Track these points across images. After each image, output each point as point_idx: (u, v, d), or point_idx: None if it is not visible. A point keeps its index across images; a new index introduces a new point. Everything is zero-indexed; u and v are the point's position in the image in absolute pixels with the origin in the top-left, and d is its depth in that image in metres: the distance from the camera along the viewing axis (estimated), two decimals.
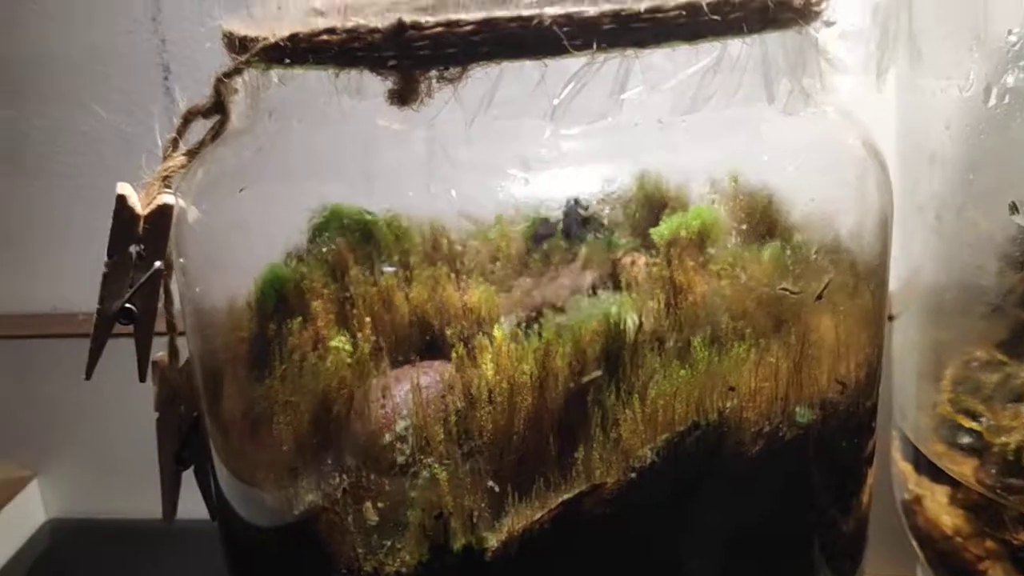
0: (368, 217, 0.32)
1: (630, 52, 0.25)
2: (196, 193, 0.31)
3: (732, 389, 0.26)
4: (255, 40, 0.28)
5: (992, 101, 0.34)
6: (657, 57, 0.25)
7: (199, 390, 0.35)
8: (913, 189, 0.40)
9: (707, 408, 0.26)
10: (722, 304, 0.27)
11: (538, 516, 0.26)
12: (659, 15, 0.24)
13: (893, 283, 0.43)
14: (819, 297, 0.27)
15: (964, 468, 0.39)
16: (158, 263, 0.31)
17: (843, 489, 0.32)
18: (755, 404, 0.27)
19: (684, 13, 0.24)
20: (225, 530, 0.34)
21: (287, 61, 0.26)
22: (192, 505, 0.37)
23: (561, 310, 0.31)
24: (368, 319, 0.30)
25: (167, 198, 0.31)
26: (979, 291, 0.40)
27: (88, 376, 0.32)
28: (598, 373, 0.26)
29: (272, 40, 0.27)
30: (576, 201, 0.32)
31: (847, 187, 0.29)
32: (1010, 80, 0.35)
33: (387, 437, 0.28)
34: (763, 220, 0.28)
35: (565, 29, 0.24)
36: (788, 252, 0.27)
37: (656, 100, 0.26)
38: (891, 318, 0.44)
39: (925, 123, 0.38)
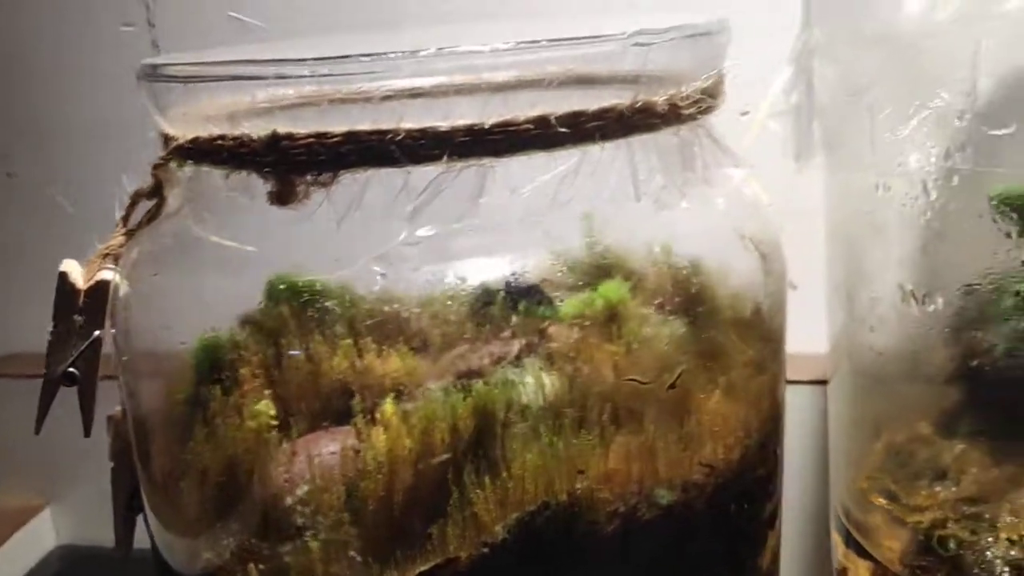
0: (318, 286, 0.35)
1: (486, 161, 0.27)
2: (129, 270, 0.34)
3: (581, 472, 0.28)
4: (173, 139, 0.31)
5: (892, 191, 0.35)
6: (516, 164, 0.27)
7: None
8: (839, 269, 0.41)
9: (556, 489, 0.28)
10: (579, 390, 0.29)
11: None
12: (511, 128, 0.27)
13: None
14: (672, 386, 0.29)
15: (883, 548, 0.39)
16: (97, 332, 0.34)
17: (736, 554, 0.33)
18: (609, 486, 0.28)
19: (534, 126, 0.27)
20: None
21: (192, 160, 0.29)
22: None
23: (481, 377, 0.34)
24: (288, 386, 0.33)
25: (105, 274, 0.34)
26: (908, 369, 0.41)
27: (37, 432, 0.35)
28: (447, 455, 0.28)
29: (180, 141, 0.30)
30: (514, 274, 0.34)
31: (718, 277, 0.31)
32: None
33: (287, 501, 0.31)
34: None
35: (421, 142, 0.26)
36: (635, 345, 0.28)
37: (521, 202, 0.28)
38: (825, 382, 0.45)
39: (848, 204, 0.39)
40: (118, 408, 0.40)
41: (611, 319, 0.31)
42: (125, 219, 0.36)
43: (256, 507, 0.30)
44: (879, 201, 0.34)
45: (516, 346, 0.33)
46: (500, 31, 0.29)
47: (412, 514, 0.28)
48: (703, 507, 0.31)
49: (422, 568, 0.28)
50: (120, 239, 0.34)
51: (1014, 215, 0.39)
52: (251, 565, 0.29)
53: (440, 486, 0.28)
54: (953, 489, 0.38)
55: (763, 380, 0.32)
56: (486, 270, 0.29)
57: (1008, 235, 0.39)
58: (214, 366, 0.34)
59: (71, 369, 0.34)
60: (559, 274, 0.32)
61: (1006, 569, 0.35)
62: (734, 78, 0.34)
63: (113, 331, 0.34)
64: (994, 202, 0.39)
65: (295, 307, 0.34)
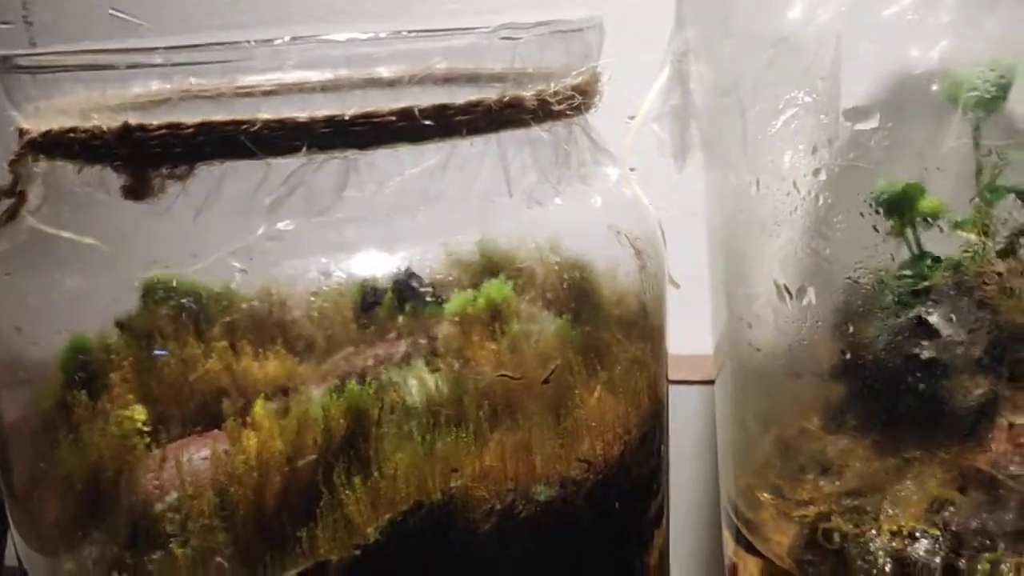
0: (195, 287, 0.34)
1: (350, 153, 0.26)
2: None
3: (455, 470, 0.27)
4: (27, 132, 0.29)
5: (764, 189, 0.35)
6: (379, 157, 0.27)
7: None
8: (727, 266, 0.41)
9: (430, 488, 0.27)
10: (458, 388, 0.28)
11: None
12: (374, 120, 0.26)
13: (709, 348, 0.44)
14: (546, 381, 0.28)
15: (770, 543, 0.40)
16: None
17: (621, 552, 0.33)
18: (485, 483, 0.28)
19: (397, 119, 0.26)
20: None
21: (45, 155, 0.28)
22: None
23: (364, 379, 0.33)
24: (159, 391, 0.32)
25: None
26: (787, 365, 0.41)
27: None
28: (312, 457, 0.27)
29: (33, 135, 0.29)
30: (407, 271, 0.33)
31: (600, 274, 0.31)
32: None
33: (157, 508, 0.29)
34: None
35: (278, 133, 0.25)
36: (507, 342, 0.28)
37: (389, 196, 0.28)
38: (712, 382, 0.45)
39: (726, 203, 0.40)
40: None
41: (494, 317, 0.31)
42: None
43: (124, 516, 0.29)
44: (753, 199, 0.35)
45: (402, 346, 0.32)
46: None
47: (282, 517, 0.27)
48: (583, 503, 0.30)
49: (291, 572, 0.27)
50: None
51: (890, 212, 0.40)
52: (114, 575, 0.28)
53: (310, 488, 0.27)
54: (837, 483, 0.38)
55: (643, 377, 0.32)
56: (358, 265, 0.29)
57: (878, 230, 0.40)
58: (81, 369, 0.33)
59: None
60: (439, 271, 0.32)
61: (888, 560, 0.36)
62: (619, 81, 0.34)
63: None
64: (872, 199, 0.40)
65: (172, 308, 0.33)
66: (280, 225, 0.26)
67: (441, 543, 0.28)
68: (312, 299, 0.28)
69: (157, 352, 0.32)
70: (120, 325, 0.33)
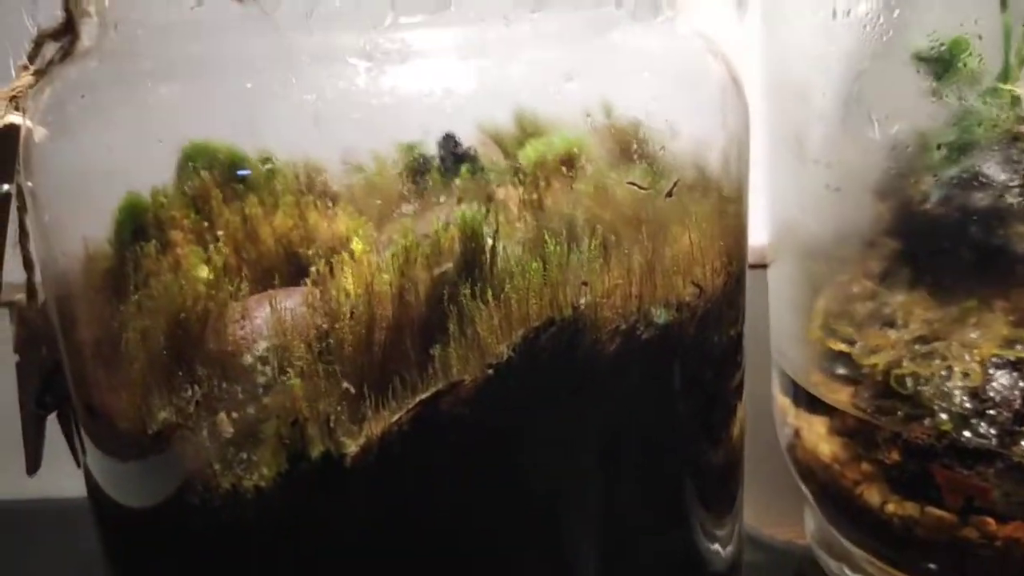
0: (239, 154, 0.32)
1: None
2: (43, 112, 0.30)
3: (585, 284, 0.26)
4: None
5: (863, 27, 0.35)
6: None
7: (55, 327, 0.33)
8: (781, 125, 0.41)
9: (561, 304, 0.26)
10: (575, 201, 0.27)
11: (396, 418, 0.25)
12: None
13: (765, 225, 0.44)
14: (669, 194, 0.27)
15: (840, 395, 0.40)
16: (6, 186, 0.30)
17: (710, 419, 0.32)
18: (610, 301, 0.27)
19: None
20: (91, 485, 0.33)
21: None
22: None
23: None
24: (228, 246, 0.30)
25: (13, 117, 0.30)
26: (851, 224, 0.41)
27: None
28: (448, 266, 0.26)
29: None
30: (450, 136, 0.32)
31: (703, 99, 0.30)
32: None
33: (247, 358, 0.28)
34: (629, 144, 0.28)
35: None
36: (635, 146, 0.27)
37: None
38: (766, 266, 0.45)
39: (791, 55, 0.39)
40: (19, 296, 0.35)
41: (572, 160, 0.30)
42: (26, 66, 0.31)
43: (216, 357, 0.27)
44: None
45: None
46: None
47: (408, 341, 0.25)
48: (692, 333, 0.30)
49: (423, 396, 0.25)
50: (28, 79, 0.30)
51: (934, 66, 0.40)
52: (221, 415, 0.26)
53: (437, 310, 0.26)
54: (903, 332, 0.39)
55: (737, 218, 0.32)
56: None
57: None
58: (144, 229, 0.30)
59: None
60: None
61: (966, 398, 0.36)
62: None
63: (30, 184, 0.30)
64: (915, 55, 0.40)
65: (217, 176, 0.31)
66: (406, 19, 0.24)
67: (568, 363, 0.27)
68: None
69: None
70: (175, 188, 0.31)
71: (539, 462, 0.27)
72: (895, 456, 0.38)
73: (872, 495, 0.38)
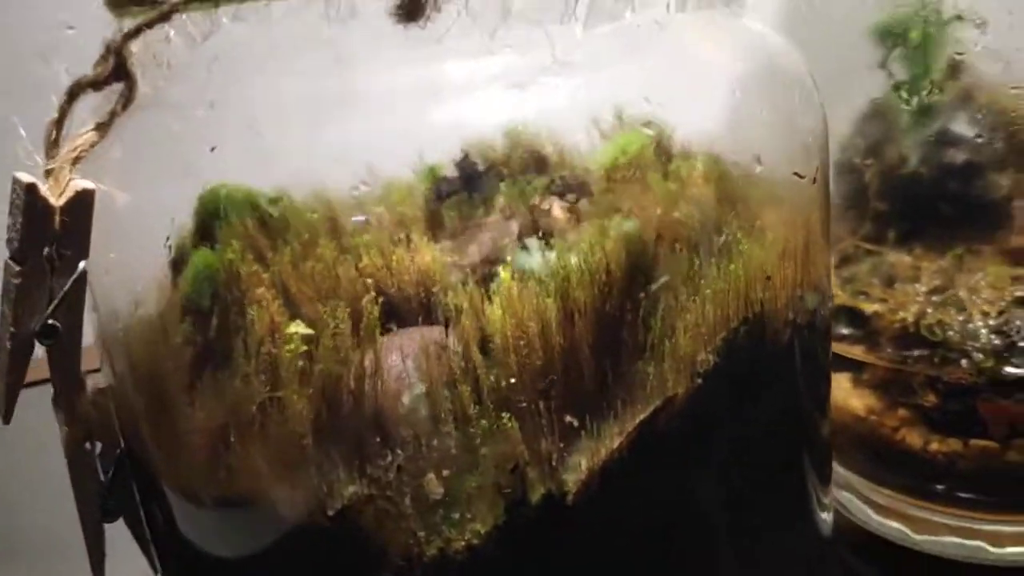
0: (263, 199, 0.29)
1: None
2: (117, 174, 0.26)
3: (768, 278, 0.26)
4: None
5: None
6: None
7: (127, 418, 0.29)
8: None
9: (752, 301, 0.26)
10: (727, 199, 0.27)
11: (617, 444, 0.24)
12: None
13: None
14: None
15: (854, 350, 0.42)
16: (82, 264, 0.25)
17: (820, 391, 0.33)
18: (784, 291, 0.27)
19: None
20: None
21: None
22: None
23: (500, 262, 0.30)
24: (333, 296, 0.27)
25: (85, 183, 0.25)
26: (837, 190, 0.44)
27: (7, 420, 0.26)
28: (666, 278, 0.25)
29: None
30: (466, 155, 0.31)
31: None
32: None
33: (406, 402, 0.25)
34: None
35: None
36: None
37: None
38: None
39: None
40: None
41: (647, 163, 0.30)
42: (59, 122, 0.27)
43: (388, 415, 0.25)
44: None
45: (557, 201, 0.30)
46: None
47: (620, 362, 0.24)
48: (823, 311, 0.30)
49: (642, 416, 0.24)
50: (90, 136, 0.26)
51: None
52: (430, 476, 0.24)
53: (637, 324, 0.25)
54: (919, 286, 0.42)
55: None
56: None
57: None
58: (221, 290, 0.28)
59: (51, 321, 0.25)
60: None
61: (992, 336, 0.39)
62: None
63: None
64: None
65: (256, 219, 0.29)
66: None
67: (758, 359, 0.27)
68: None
69: (356, 219, 0.27)
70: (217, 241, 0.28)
71: (741, 458, 0.27)
72: (932, 399, 0.41)
73: (913, 438, 0.41)
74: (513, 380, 0.24)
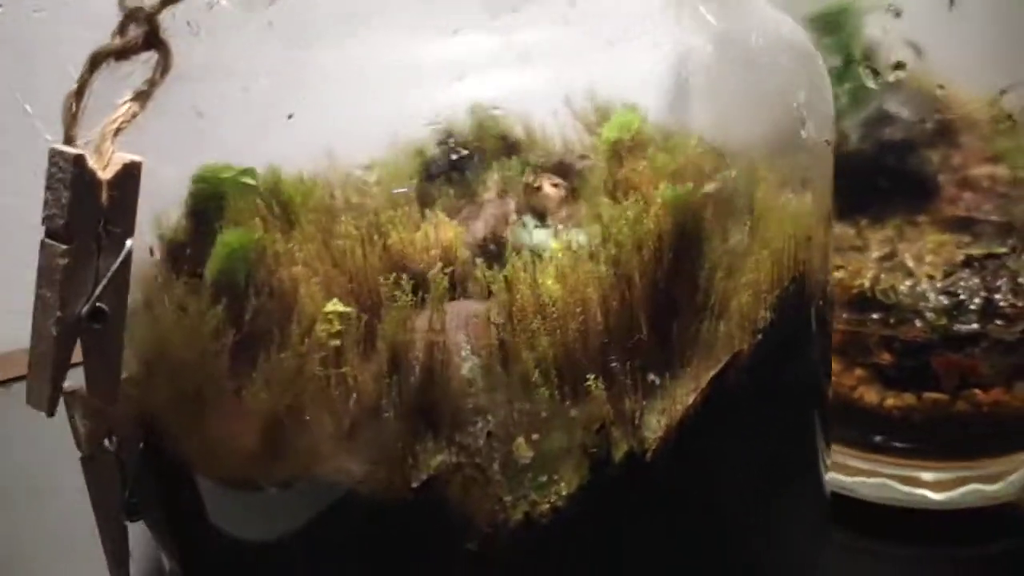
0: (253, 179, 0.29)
1: None
2: (160, 144, 0.24)
3: (810, 238, 0.28)
4: None
5: None
6: None
7: (151, 409, 0.28)
8: None
9: (799, 261, 0.27)
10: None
11: (692, 400, 0.25)
12: None
13: None
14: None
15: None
16: (129, 241, 0.24)
17: (828, 354, 0.35)
18: (818, 251, 0.29)
19: None
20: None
21: None
22: None
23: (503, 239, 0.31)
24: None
25: (132, 156, 0.24)
26: None
27: (51, 412, 0.24)
28: (740, 238, 0.26)
29: None
30: (449, 134, 0.32)
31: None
32: None
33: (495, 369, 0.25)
34: None
35: None
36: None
37: None
38: None
39: None
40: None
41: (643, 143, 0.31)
42: (79, 92, 0.25)
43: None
44: None
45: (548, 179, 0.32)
46: None
47: (695, 322, 0.25)
48: (828, 273, 0.32)
49: (714, 372, 0.25)
50: (130, 107, 0.24)
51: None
52: (519, 441, 0.24)
53: (708, 284, 0.26)
54: (869, 254, 0.44)
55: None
56: None
57: None
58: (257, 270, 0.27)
59: (99, 304, 0.24)
60: None
61: (941, 297, 0.43)
62: None
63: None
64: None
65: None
66: None
67: (802, 318, 0.28)
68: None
69: (397, 190, 0.27)
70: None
71: (782, 414, 0.28)
72: (888, 357, 0.44)
73: (870, 395, 0.44)
74: (606, 341, 0.24)
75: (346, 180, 0.32)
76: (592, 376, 0.24)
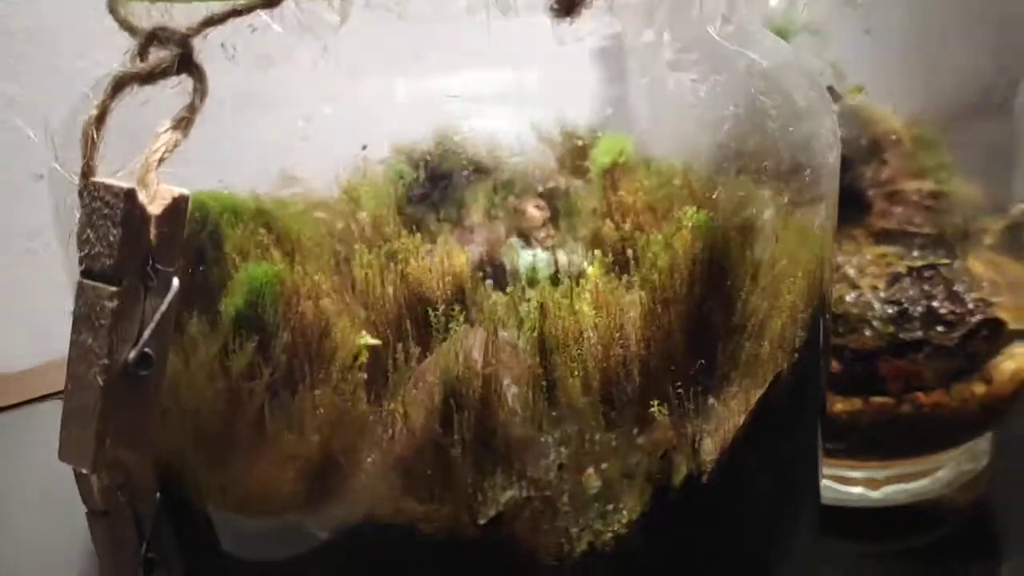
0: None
1: None
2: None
3: (821, 258, 0.29)
4: None
5: None
6: None
7: (169, 457, 0.26)
8: None
9: (823, 282, 0.28)
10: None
11: (742, 420, 0.26)
12: None
13: None
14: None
15: None
16: (175, 280, 0.22)
17: (828, 365, 0.36)
18: (830, 267, 0.30)
19: None
20: None
21: None
22: None
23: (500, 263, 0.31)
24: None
25: (178, 190, 0.22)
26: None
27: (95, 470, 0.22)
28: (784, 262, 0.26)
29: None
30: (429, 156, 0.32)
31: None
32: None
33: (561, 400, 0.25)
34: None
35: None
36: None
37: None
38: None
39: None
40: None
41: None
42: (100, 117, 0.23)
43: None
44: None
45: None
46: None
47: (744, 343, 0.26)
48: None
49: (760, 392, 0.26)
50: (171, 136, 0.23)
51: None
52: (589, 471, 0.24)
53: (750, 306, 0.26)
54: None
55: None
56: None
57: None
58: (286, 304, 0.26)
59: (146, 349, 0.22)
60: None
61: (886, 306, 0.45)
62: None
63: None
64: None
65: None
66: None
67: (822, 334, 0.29)
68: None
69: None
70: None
71: (806, 426, 0.29)
72: (836, 365, 0.46)
73: None
74: (672, 368, 0.24)
75: (332, 204, 0.31)
76: (656, 402, 0.24)
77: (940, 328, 0.44)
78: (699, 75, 0.27)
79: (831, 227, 0.30)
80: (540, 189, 0.33)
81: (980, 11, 0.47)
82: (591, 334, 0.25)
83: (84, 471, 0.22)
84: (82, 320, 0.21)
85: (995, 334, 0.44)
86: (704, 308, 0.26)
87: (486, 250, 0.32)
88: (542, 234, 0.33)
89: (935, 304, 0.45)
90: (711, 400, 0.25)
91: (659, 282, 0.26)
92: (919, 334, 0.45)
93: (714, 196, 0.27)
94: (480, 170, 0.32)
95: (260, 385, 0.25)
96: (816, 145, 0.29)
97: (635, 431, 0.24)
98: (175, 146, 0.23)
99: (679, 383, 0.25)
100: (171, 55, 0.23)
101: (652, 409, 0.24)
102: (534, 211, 0.33)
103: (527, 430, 0.23)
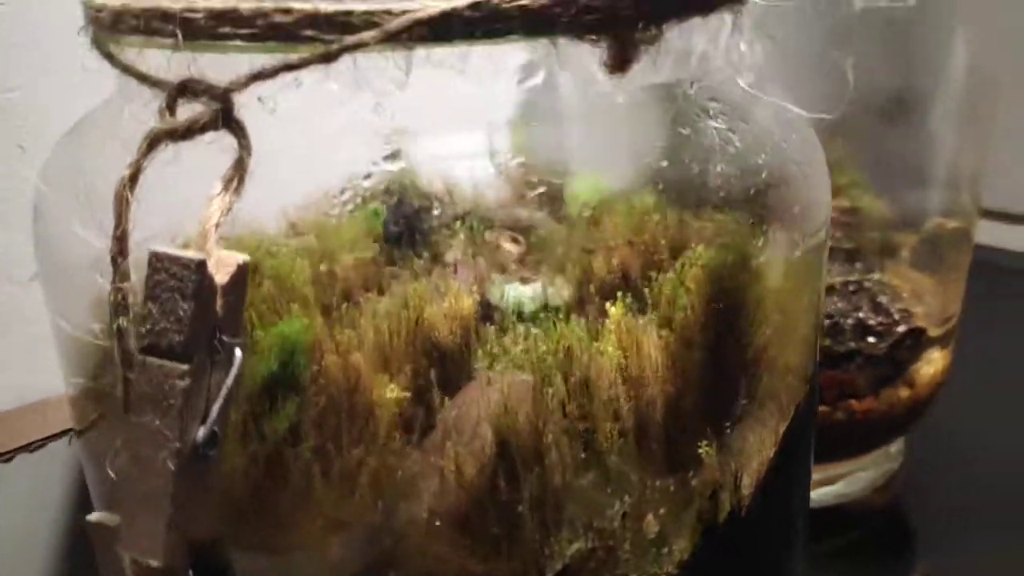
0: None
1: None
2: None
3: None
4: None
5: None
6: None
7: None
8: None
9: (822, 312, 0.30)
10: None
11: (773, 451, 0.27)
12: None
13: None
14: None
15: None
16: (239, 352, 0.21)
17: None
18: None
19: None
20: None
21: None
22: None
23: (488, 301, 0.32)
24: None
25: (240, 257, 0.21)
26: None
27: (167, 563, 0.20)
28: (814, 294, 0.28)
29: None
30: (402, 192, 0.32)
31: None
32: None
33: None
34: None
35: None
36: None
37: None
38: None
39: None
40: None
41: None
42: (133, 177, 0.22)
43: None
44: None
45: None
46: None
47: (773, 378, 0.27)
48: None
49: (784, 426, 0.27)
50: (227, 199, 0.21)
51: None
52: (649, 518, 0.24)
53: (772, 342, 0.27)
54: None
55: None
56: None
57: None
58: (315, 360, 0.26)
59: (215, 428, 0.21)
60: None
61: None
62: None
63: None
64: None
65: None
66: None
67: (823, 361, 0.31)
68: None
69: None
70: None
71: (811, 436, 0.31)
72: None
73: None
74: (711, 407, 0.25)
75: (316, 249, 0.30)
76: (704, 442, 0.25)
77: (870, 339, 0.48)
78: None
79: (826, 254, 0.32)
80: (509, 223, 0.34)
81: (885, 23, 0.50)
82: (618, 375, 0.26)
83: (154, 564, 0.20)
84: (147, 401, 0.20)
85: (918, 342, 0.48)
86: (729, 343, 0.27)
87: (476, 289, 0.32)
88: (515, 267, 0.33)
89: (863, 315, 0.48)
90: (749, 436, 0.26)
91: (682, 320, 0.27)
92: (851, 345, 0.48)
93: (715, 233, 0.28)
94: (446, 205, 0.32)
95: (306, 448, 0.24)
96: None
97: (690, 473, 0.25)
98: (229, 209, 0.21)
99: (721, 421, 0.25)
100: (211, 110, 0.22)
101: (701, 450, 0.25)
102: (510, 245, 0.34)
103: (592, 480, 0.24)
